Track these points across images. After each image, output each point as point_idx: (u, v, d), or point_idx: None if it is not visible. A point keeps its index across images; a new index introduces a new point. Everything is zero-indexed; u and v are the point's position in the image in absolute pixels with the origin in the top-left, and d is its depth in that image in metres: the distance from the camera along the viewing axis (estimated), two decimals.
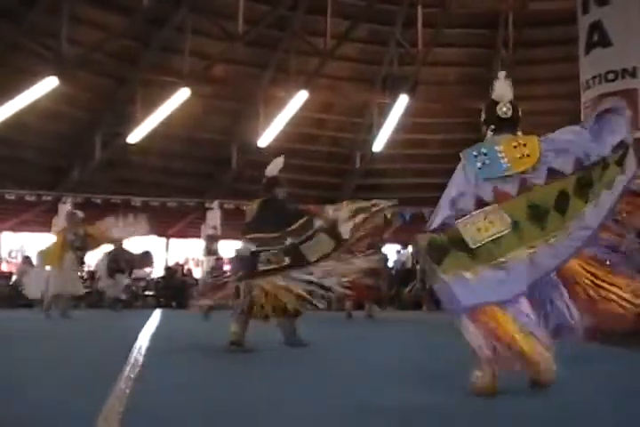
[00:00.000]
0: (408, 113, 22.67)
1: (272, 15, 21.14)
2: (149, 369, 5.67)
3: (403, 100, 22.33)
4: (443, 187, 4.89)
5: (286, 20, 21.62)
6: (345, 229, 7.66)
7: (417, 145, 23.95)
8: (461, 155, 4.83)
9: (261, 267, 7.42)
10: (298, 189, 23.12)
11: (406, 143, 23.63)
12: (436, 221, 4.68)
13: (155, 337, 9.15)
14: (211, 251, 23.01)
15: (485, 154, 4.72)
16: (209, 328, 10.12)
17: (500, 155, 4.68)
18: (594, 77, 10.87)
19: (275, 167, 8.14)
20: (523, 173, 4.64)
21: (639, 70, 10.46)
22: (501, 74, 5.05)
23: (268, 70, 22.44)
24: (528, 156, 4.66)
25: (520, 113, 4.97)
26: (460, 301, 4.47)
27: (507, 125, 4.87)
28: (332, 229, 7.61)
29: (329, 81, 23.00)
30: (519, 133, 4.87)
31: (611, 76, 10.61)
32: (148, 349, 7.37)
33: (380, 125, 22.95)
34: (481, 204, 4.63)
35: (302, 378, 5.58)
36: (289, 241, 7.46)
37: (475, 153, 4.76)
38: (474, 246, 4.52)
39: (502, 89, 4.98)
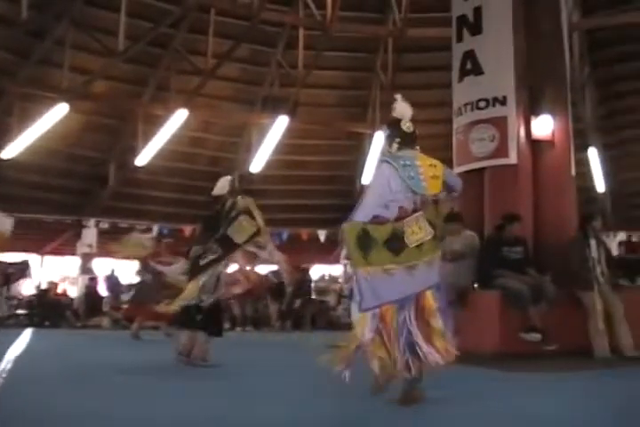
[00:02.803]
0: (288, 134, 22.80)
1: (154, 32, 20.98)
2: (7, 393, 5.52)
3: (282, 122, 22.46)
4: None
5: (168, 38, 21.48)
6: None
7: (296, 166, 24.08)
8: (391, 161, 5.29)
9: (201, 262, 7.98)
10: (176, 209, 23.03)
11: (285, 164, 23.73)
12: (365, 214, 5.13)
13: (20, 359, 8.91)
14: (85, 269, 22.67)
15: (410, 166, 5.21)
16: (79, 348, 9.94)
17: (420, 169, 5.22)
18: (466, 104, 11.15)
19: (222, 187, 8.41)
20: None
21: (509, 99, 10.78)
22: (398, 96, 5.63)
23: (148, 88, 22.20)
24: (438, 177, 5.27)
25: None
26: (371, 300, 4.98)
27: (410, 140, 5.40)
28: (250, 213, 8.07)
29: (209, 100, 22.92)
30: (418, 148, 5.42)
31: (482, 104, 10.89)
32: (10, 371, 7.18)
33: (259, 146, 23.00)
34: (402, 210, 5.16)
35: (168, 401, 5.55)
36: (220, 232, 7.97)
37: (402, 162, 5.22)
38: (410, 246, 5.06)
39: (403, 108, 5.52)
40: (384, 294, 5.00)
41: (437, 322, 5.11)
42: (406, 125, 5.41)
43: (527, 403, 5.50)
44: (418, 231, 5.13)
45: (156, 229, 22.11)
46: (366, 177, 22.24)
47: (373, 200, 5.19)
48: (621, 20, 20.77)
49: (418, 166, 5.24)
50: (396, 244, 5.04)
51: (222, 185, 8.45)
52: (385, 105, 22.34)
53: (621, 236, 15.95)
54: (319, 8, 21.60)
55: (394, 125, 5.49)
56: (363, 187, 21.99)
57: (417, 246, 5.11)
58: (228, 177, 8.62)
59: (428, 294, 5.15)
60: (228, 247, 7.96)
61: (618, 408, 5.28)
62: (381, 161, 5.44)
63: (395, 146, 5.38)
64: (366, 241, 5.01)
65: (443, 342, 5.07)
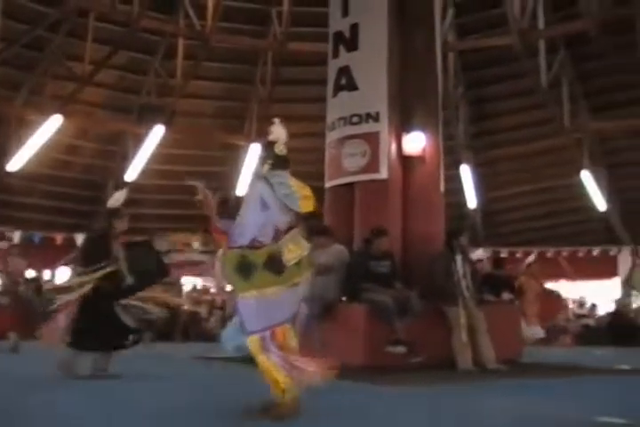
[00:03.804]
0: (164, 144, 22.61)
1: (29, 35, 20.56)
2: None
3: (158, 131, 22.27)
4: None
5: (45, 41, 21.08)
6: None
7: (171, 176, 23.82)
8: (267, 178, 5.40)
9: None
10: (47, 216, 22.54)
11: (161, 174, 23.48)
12: (243, 238, 5.22)
13: None
14: None
15: (284, 184, 5.33)
16: None
17: (293, 189, 5.31)
18: (339, 119, 11.24)
19: (117, 199, 8.33)
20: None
21: (382, 115, 10.94)
22: (277, 120, 5.64)
23: (21, 92, 21.69)
24: (309, 198, 5.37)
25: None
26: (258, 323, 5.09)
27: (281, 163, 5.50)
28: None
29: (85, 107, 22.58)
30: (288, 171, 5.51)
31: (355, 120, 11.00)
32: None
33: (135, 155, 22.74)
34: (277, 230, 5.30)
35: None
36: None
37: (278, 180, 5.34)
38: (288, 264, 5.16)
39: (279, 131, 5.59)
40: (273, 316, 5.12)
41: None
42: (279, 148, 5.51)
43: (394, 417, 5.57)
44: (294, 249, 5.23)
45: (17, 236, 21.55)
46: (241, 188, 22.20)
47: (251, 222, 5.26)
48: (493, 43, 21.48)
49: (291, 185, 5.33)
50: (275, 265, 5.14)
51: (117, 197, 8.37)
52: (263, 117, 22.44)
53: (479, 252, 16.43)
54: (200, 18, 21.59)
55: (267, 148, 5.61)
56: (238, 198, 21.99)
57: (296, 264, 5.22)
58: (124, 191, 8.58)
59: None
60: None
61: (483, 421, 5.43)
62: (256, 179, 5.51)
63: (266, 167, 5.48)
64: (246, 267, 5.13)
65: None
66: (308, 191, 5.40)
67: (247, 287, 5.11)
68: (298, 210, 5.33)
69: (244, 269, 5.13)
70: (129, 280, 7.90)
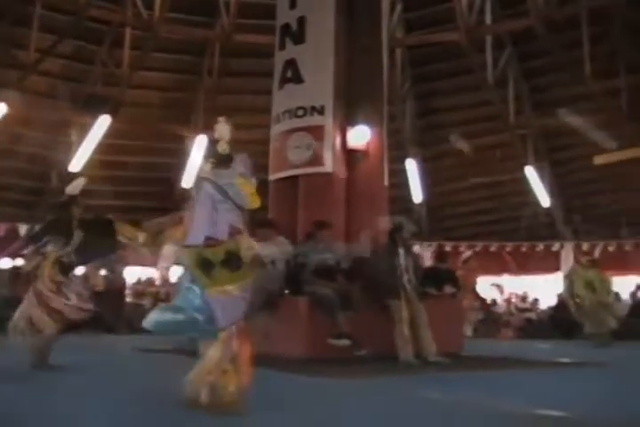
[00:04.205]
0: (109, 134, 22.35)
1: None
2: None
3: (104, 121, 22.02)
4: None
5: None
6: None
7: (116, 167, 23.61)
8: (213, 179, 5.45)
9: None
10: None
11: (105, 164, 23.21)
12: (197, 237, 5.28)
13: None
14: None
15: (231, 184, 5.39)
16: None
17: (241, 187, 5.39)
18: (284, 112, 11.28)
19: (76, 187, 8.44)
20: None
21: (327, 108, 10.97)
22: (222, 118, 5.73)
23: None
24: (254, 194, 5.47)
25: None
26: (223, 319, 5.13)
27: (224, 161, 5.55)
28: None
29: (29, 96, 22.15)
30: (231, 169, 5.54)
31: (300, 112, 11.05)
32: None
33: (79, 145, 22.45)
34: (231, 227, 5.33)
35: None
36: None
37: (226, 182, 5.40)
38: (245, 262, 5.27)
39: (223, 130, 5.66)
40: (235, 313, 5.19)
41: None
42: (222, 147, 5.57)
43: (330, 409, 5.59)
44: (249, 247, 5.34)
45: None
46: (187, 180, 22.04)
47: (202, 221, 5.30)
48: (441, 38, 21.61)
49: (237, 185, 5.39)
50: (233, 262, 5.22)
51: (76, 185, 8.41)
52: (210, 109, 22.33)
53: (418, 248, 16.56)
54: (147, 8, 21.40)
55: (211, 146, 5.70)
56: (184, 190, 21.84)
57: (248, 262, 5.30)
58: (82, 179, 8.58)
59: None
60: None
61: (422, 413, 5.48)
62: (203, 180, 5.51)
63: (209, 165, 5.54)
64: (205, 264, 5.19)
65: None
66: (251, 188, 5.44)
67: (211, 284, 5.16)
68: (247, 207, 5.37)
69: (204, 266, 5.18)
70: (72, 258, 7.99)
